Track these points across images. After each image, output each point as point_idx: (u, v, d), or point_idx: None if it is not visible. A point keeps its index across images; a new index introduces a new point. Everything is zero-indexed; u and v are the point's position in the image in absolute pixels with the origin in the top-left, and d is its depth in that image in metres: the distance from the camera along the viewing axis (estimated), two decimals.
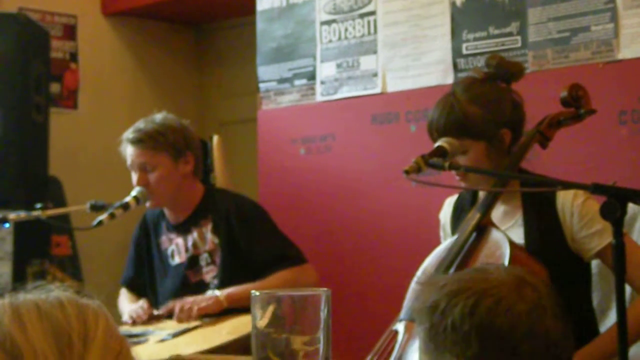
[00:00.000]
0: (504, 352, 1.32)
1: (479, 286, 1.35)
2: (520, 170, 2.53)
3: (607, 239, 2.37)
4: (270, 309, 1.27)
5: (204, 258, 3.15)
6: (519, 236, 2.46)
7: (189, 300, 3.02)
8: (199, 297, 3.03)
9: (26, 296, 1.00)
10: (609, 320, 2.71)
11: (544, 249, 2.41)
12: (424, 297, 1.40)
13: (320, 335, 1.33)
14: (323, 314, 1.32)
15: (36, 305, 0.98)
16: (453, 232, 2.63)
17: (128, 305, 3.24)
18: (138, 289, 3.33)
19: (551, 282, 2.28)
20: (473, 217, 2.45)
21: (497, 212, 2.51)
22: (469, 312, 1.33)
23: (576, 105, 2.53)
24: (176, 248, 3.20)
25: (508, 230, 2.46)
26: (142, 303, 3.15)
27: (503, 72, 2.53)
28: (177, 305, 3.02)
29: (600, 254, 2.42)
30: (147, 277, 3.29)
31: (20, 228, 3.62)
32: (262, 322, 1.26)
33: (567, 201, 2.43)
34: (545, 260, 2.34)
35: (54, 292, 1.01)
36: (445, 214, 2.73)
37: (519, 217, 2.50)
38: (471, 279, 1.39)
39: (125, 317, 3.16)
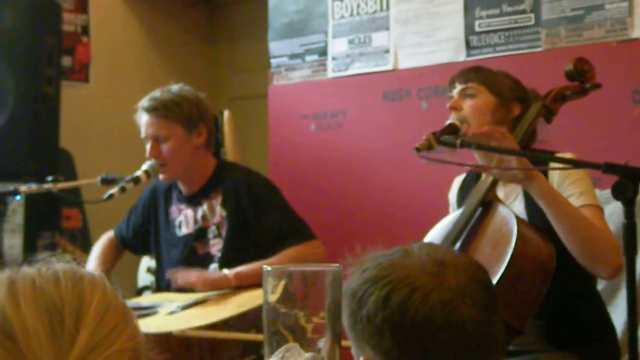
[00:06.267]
0: (417, 345, 1.26)
1: (396, 274, 1.29)
2: (527, 149, 2.52)
3: (583, 201, 2.35)
4: (282, 283, 1.27)
5: (211, 230, 3.16)
6: (519, 210, 2.44)
7: (196, 273, 3.02)
8: (206, 273, 3.04)
9: (26, 270, 1.00)
10: (617, 302, 2.71)
11: (546, 221, 2.41)
12: (348, 281, 1.34)
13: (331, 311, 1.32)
14: (334, 290, 1.32)
15: (32, 280, 0.97)
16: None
17: (96, 259, 3.31)
18: (126, 249, 3.42)
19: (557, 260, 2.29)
20: (478, 192, 2.45)
21: (499, 193, 2.51)
22: (382, 304, 1.27)
23: (581, 79, 2.53)
24: (184, 219, 3.21)
25: (509, 205, 2.46)
26: None
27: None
28: (181, 273, 3.03)
29: None
30: (152, 245, 3.32)
31: (31, 201, 3.63)
32: (274, 297, 1.27)
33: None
34: (549, 234, 2.33)
35: (54, 265, 1.01)
36: (453, 193, 2.74)
37: (519, 192, 2.49)
38: (390, 264, 1.32)
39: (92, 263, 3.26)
